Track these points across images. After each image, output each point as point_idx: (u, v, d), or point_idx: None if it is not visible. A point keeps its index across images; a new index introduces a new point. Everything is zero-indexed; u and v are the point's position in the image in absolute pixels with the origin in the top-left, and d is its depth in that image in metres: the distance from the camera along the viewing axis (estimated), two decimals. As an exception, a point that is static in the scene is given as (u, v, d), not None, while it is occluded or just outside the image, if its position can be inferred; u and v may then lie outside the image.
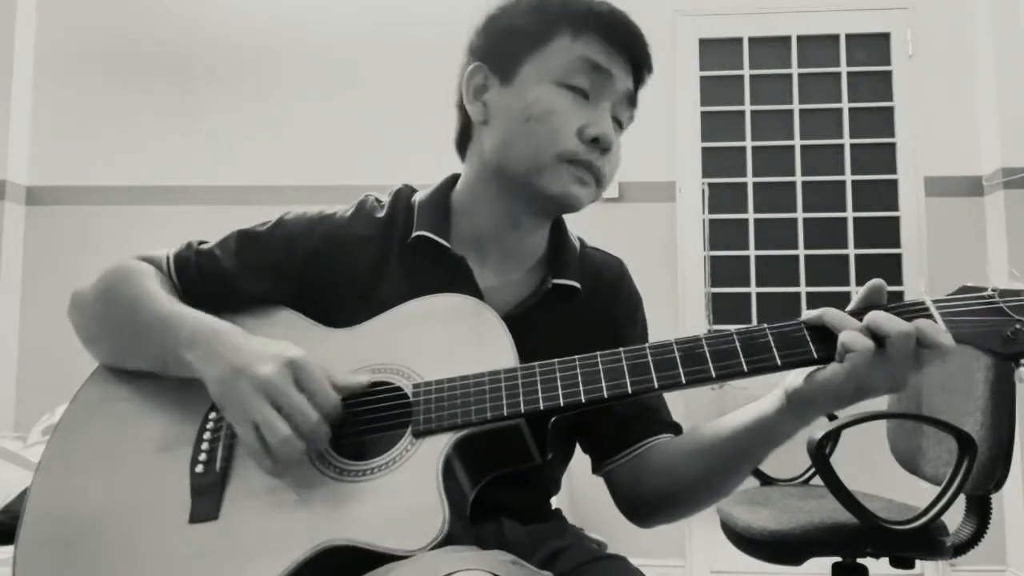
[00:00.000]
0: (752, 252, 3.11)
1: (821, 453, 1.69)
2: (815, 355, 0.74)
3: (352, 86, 3.24)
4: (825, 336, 0.74)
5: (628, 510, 0.98)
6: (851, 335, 0.71)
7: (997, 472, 1.70)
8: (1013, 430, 1.72)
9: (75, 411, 0.93)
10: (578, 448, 1.02)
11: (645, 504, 0.97)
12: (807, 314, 0.76)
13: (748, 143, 3.16)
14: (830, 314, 0.74)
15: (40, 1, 3.42)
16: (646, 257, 3.09)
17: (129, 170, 3.32)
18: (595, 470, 1.00)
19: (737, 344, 0.76)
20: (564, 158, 0.89)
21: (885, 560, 1.82)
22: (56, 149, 3.37)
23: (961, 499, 1.72)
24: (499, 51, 0.93)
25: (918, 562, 1.93)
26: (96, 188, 3.33)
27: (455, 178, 1.01)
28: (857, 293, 0.78)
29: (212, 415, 0.87)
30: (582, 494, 2.94)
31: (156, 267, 0.96)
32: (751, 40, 3.20)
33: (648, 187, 3.15)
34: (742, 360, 0.76)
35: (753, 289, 3.09)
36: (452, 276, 0.92)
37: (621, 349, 0.80)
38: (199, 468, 0.83)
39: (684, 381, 0.77)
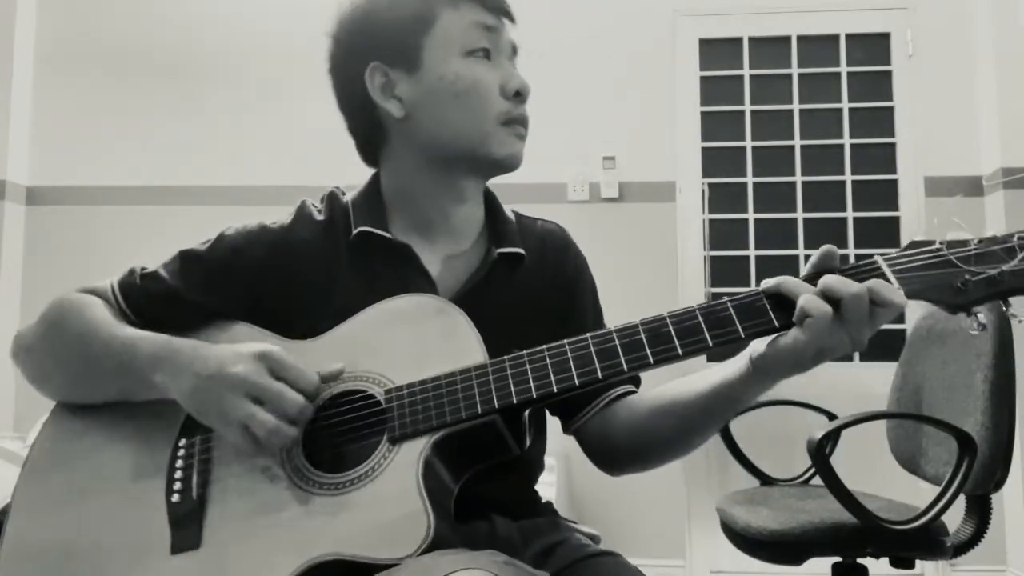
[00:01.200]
0: (752, 252, 3.11)
1: (821, 453, 1.69)
2: (776, 323, 0.76)
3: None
4: (784, 304, 0.75)
5: (599, 462, 1.00)
6: (808, 300, 0.73)
7: (997, 472, 1.70)
8: (1013, 430, 1.72)
9: (39, 451, 0.91)
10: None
11: (616, 457, 0.99)
12: (765, 283, 0.77)
13: (748, 143, 3.16)
14: (787, 282, 0.76)
15: (40, 1, 3.42)
16: (646, 257, 3.10)
17: (129, 170, 3.32)
18: (565, 430, 1.01)
19: (700, 320, 0.77)
20: (501, 120, 0.92)
21: (885, 560, 1.82)
22: (56, 149, 3.37)
23: (961, 499, 1.72)
24: (391, 45, 0.93)
25: (918, 562, 1.93)
26: (96, 188, 3.33)
27: (379, 174, 1.02)
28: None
29: (182, 442, 0.86)
30: (581, 490, 2.94)
31: (100, 297, 0.95)
32: (751, 40, 3.20)
33: (648, 187, 3.15)
34: (706, 335, 0.76)
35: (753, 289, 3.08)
36: (400, 264, 0.94)
37: (588, 335, 0.80)
38: (175, 497, 0.82)
39: (652, 361, 0.77)
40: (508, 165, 0.95)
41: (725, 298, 0.78)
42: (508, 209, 1.04)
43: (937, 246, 0.76)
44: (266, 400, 0.78)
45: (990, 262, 0.74)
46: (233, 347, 0.83)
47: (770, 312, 0.76)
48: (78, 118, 3.37)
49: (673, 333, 0.77)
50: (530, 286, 0.98)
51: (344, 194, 1.02)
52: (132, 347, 0.86)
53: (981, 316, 0.75)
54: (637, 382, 1.01)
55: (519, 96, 0.94)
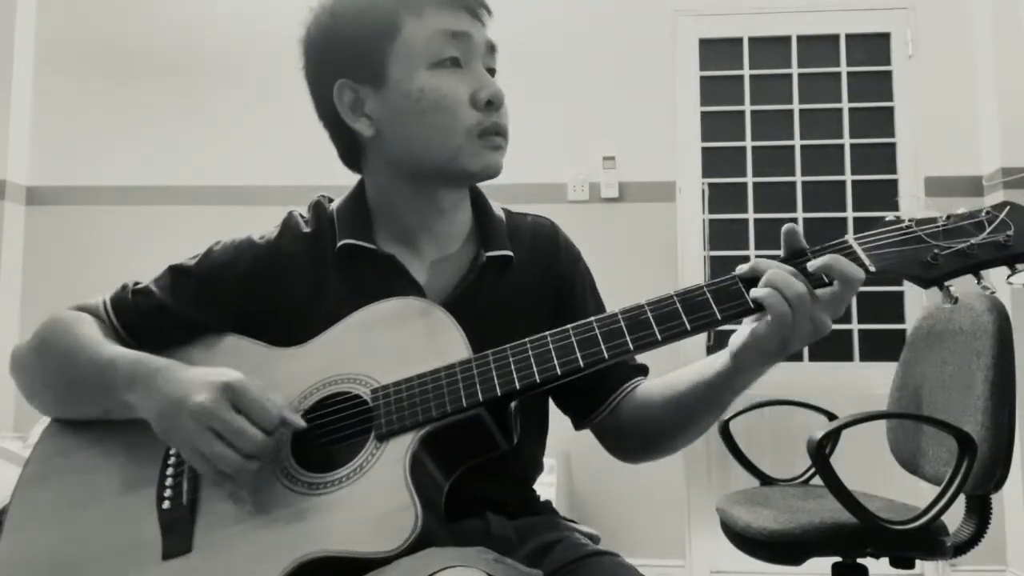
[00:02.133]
0: (752, 252, 3.11)
1: (821, 453, 1.69)
2: (751, 305, 0.77)
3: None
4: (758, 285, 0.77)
5: (614, 451, 1.02)
6: (769, 296, 0.75)
7: (997, 472, 1.70)
8: (1013, 430, 1.72)
9: (33, 470, 0.91)
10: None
11: (631, 447, 1.00)
12: (740, 268, 0.79)
13: (748, 143, 3.16)
14: (759, 266, 0.78)
15: (40, 1, 3.42)
16: (646, 257, 3.10)
17: (129, 170, 3.32)
18: (579, 427, 1.02)
19: (678, 305, 0.79)
20: (472, 133, 0.90)
21: (885, 560, 1.82)
22: (56, 149, 3.37)
23: (961, 499, 1.72)
24: (356, 61, 0.91)
25: (918, 562, 1.93)
26: (96, 188, 3.33)
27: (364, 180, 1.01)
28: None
29: (172, 451, 0.87)
30: (581, 491, 2.94)
31: (92, 314, 0.95)
32: (751, 40, 3.20)
33: (648, 187, 3.15)
34: (684, 319, 0.78)
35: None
36: (387, 274, 0.93)
37: (569, 326, 0.81)
38: (165, 504, 0.83)
39: (632, 347, 0.79)
40: (483, 177, 0.93)
41: (701, 284, 0.80)
42: (498, 207, 1.03)
43: (907, 223, 0.78)
44: (224, 435, 0.78)
45: (959, 236, 0.76)
46: (203, 372, 0.83)
47: (745, 295, 0.78)
48: (78, 118, 3.37)
49: (652, 319, 0.79)
50: (523, 284, 0.98)
51: (331, 201, 1.01)
52: (111, 365, 0.87)
53: (952, 289, 0.76)
54: (646, 372, 1.01)
55: (491, 104, 0.90)
